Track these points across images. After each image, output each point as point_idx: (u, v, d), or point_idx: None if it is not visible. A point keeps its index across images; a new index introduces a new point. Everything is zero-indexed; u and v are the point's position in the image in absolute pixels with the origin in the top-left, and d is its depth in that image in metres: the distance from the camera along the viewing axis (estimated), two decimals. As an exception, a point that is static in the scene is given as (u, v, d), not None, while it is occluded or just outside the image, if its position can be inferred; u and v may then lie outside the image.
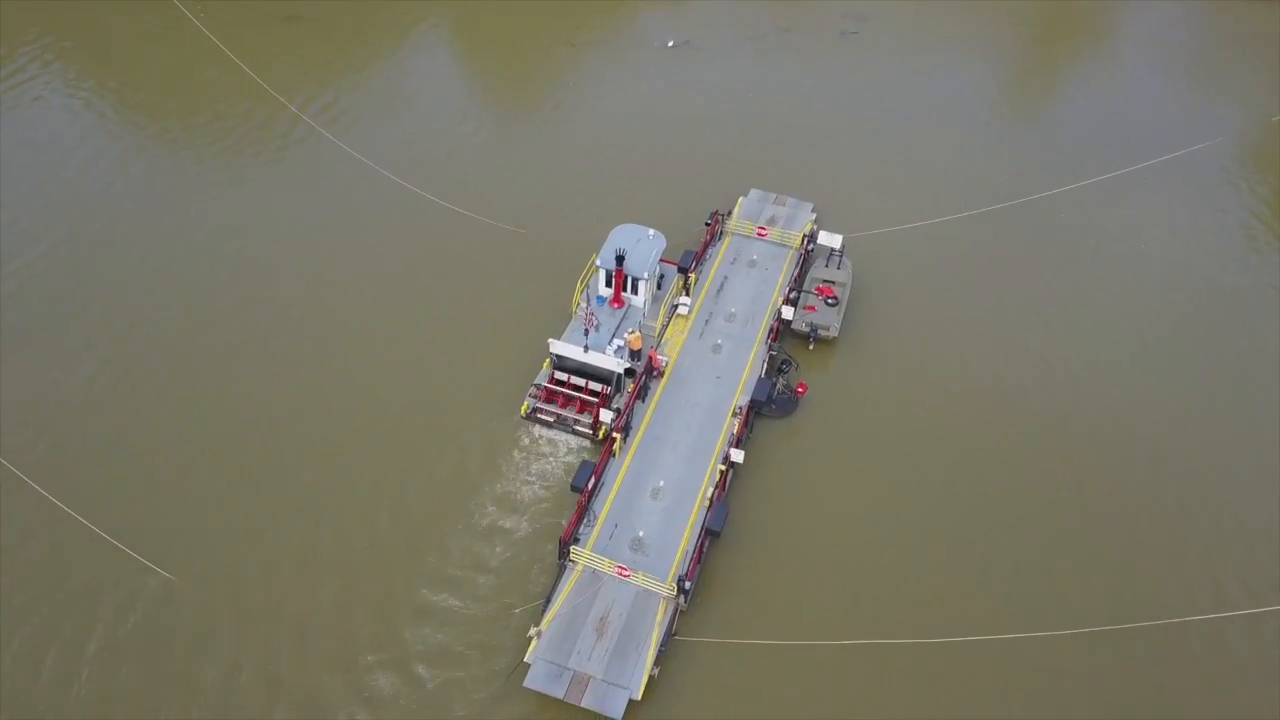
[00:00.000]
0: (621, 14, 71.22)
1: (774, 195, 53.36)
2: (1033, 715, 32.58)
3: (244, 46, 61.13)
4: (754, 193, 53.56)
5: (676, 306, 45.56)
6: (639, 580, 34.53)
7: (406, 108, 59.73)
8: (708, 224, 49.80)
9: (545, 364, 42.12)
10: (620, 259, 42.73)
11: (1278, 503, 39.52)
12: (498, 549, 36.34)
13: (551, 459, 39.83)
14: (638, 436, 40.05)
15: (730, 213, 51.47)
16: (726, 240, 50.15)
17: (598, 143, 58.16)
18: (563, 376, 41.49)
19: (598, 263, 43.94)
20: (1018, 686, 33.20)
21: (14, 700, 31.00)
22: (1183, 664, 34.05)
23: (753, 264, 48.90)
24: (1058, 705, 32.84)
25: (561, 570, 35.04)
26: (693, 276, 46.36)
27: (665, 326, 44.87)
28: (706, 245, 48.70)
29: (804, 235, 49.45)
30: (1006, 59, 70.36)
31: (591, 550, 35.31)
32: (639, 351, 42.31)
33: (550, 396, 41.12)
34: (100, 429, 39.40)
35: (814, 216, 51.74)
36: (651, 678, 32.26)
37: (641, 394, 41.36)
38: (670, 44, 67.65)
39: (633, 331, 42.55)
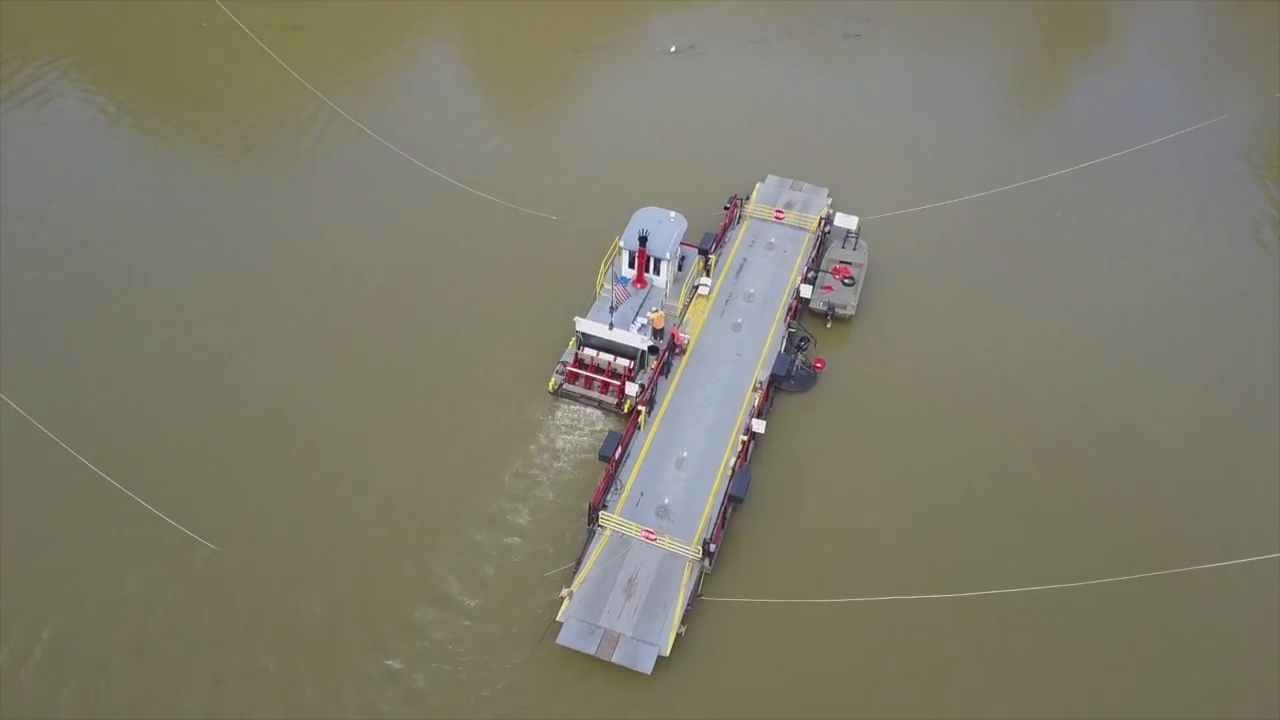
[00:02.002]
0: (626, 20, 71.68)
1: (790, 181, 54.61)
2: (1039, 661, 34.33)
3: (253, 54, 62.25)
4: (771, 179, 54.85)
5: (697, 287, 46.93)
6: (665, 544, 35.95)
7: (425, 110, 60.79)
8: (726, 208, 51.18)
9: (571, 342, 43.55)
10: (643, 240, 44.15)
11: (1275, 472, 40.98)
12: (528, 517, 37.81)
13: (577, 433, 41.28)
14: (662, 410, 41.47)
15: (748, 198, 52.85)
16: (745, 224, 51.50)
17: (613, 141, 59.12)
18: (589, 353, 42.90)
19: (621, 244, 45.36)
20: (1024, 635, 34.89)
21: (55, 666, 32.73)
22: (1174, 610, 36.03)
23: (770, 246, 50.24)
24: (1063, 652, 34.65)
25: (591, 535, 36.50)
26: (713, 258, 47.75)
27: (686, 306, 46.26)
28: (726, 228, 50.08)
29: (821, 218, 50.75)
30: (1011, 56, 71.10)
31: (619, 516, 36.76)
32: (662, 330, 43.73)
33: (576, 374, 42.55)
34: (150, 411, 41.13)
35: (830, 200, 52.99)
36: (679, 635, 33.71)
37: (665, 370, 42.78)
38: (673, 49, 67.39)
39: (656, 310, 43.99)
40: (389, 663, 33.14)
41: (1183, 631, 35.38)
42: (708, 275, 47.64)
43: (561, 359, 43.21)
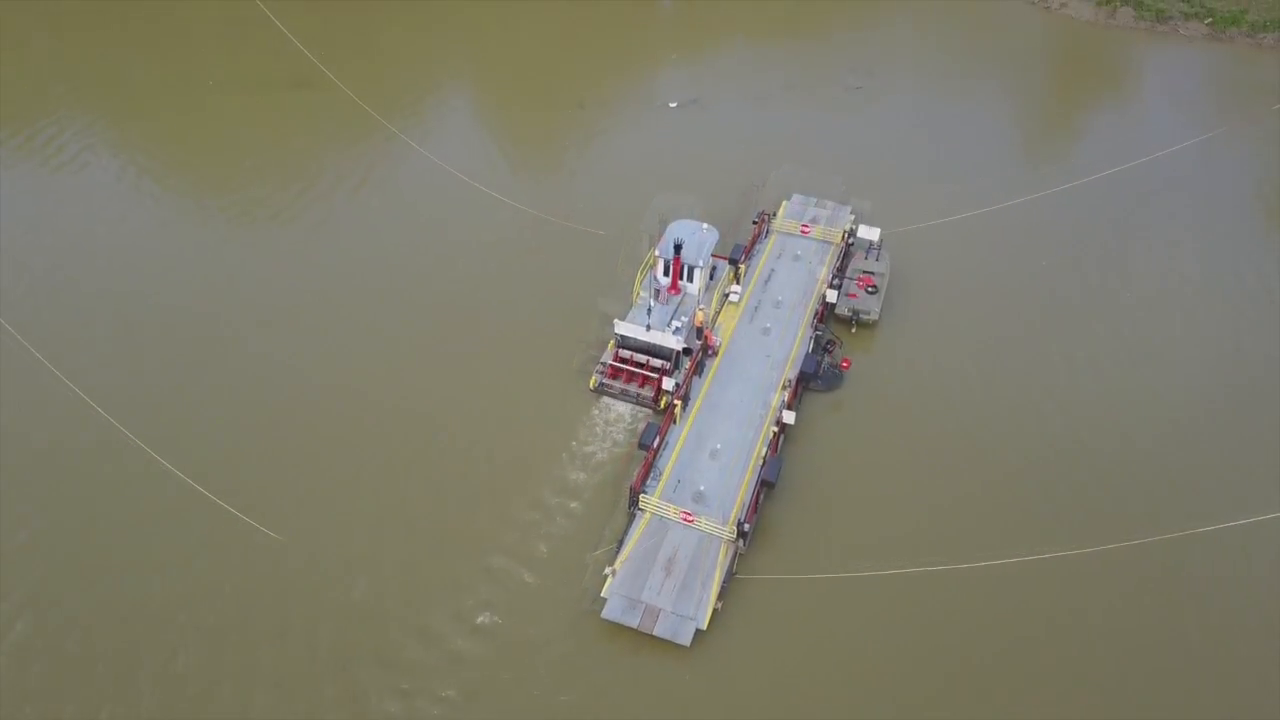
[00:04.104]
0: (628, 76, 73.61)
1: (814, 199, 57.20)
2: (1052, 623, 36.82)
3: (258, 107, 65.48)
4: (796, 197, 57.46)
5: (728, 295, 49.48)
6: (702, 525, 38.10)
7: (457, 152, 62.76)
8: (755, 222, 53.85)
9: (610, 344, 46.06)
10: (678, 248, 46.84)
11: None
12: (572, 504, 40.09)
13: (616, 427, 43.65)
14: (696, 405, 43.81)
15: (775, 213, 55.54)
16: (772, 239, 54.15)
17: (647, 169, 61.13)
18: (625, 354, 45.36)
19: (657, 253, 48.06)
20: (1033, 600, 37.54)
21: (128, 642, 35.32)
22: (1188, 569, 38.98)
23: (797, 258, 52.82)
24: (1067, 613, 37.33)
25: (631, 518, 38.73)
26: (742, 267, 50.37)
27: (718, 313, 48.77)
28: (755, 240, 52.74)
29: (845, 231, 53.33)
30: (1010, 98, 73.29)
31: (658, 500, 38.99)
32: (698, 331, 46.21)
33: (615, 372, 45.03)
34: (217, 410, 44.09)
35: (853, 216, 55.52)
36: (716, 610, 35.74)
37: (698, 370, 45.19)
38: (673, 105, 67.38)
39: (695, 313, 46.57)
40: (440, 637, 35.32)
41: (1188, 584, 38.26)
42: (738, 284, 50.21)
43: (601, 360, 45.72)
